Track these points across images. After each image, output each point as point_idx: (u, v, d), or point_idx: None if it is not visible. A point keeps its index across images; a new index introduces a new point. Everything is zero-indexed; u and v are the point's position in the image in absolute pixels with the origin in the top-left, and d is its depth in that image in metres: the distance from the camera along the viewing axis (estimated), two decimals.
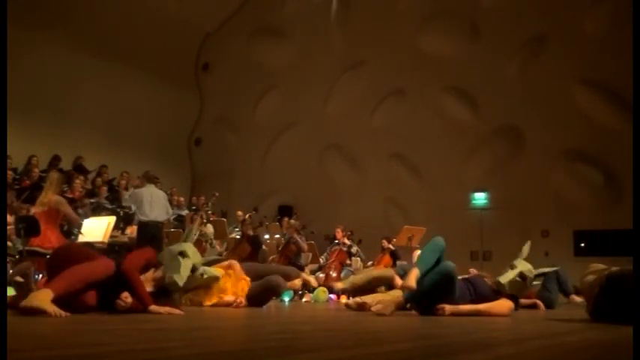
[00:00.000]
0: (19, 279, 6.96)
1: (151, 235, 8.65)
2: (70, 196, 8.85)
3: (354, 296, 5.97)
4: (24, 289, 6.78)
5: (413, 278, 4.20)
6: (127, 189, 10.90)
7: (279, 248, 10.73)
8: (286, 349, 1.86)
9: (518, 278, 4.69)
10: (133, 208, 8.95)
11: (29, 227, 6.84)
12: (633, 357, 1.89)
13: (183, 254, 3.93)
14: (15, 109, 7.37)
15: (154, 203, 8.76)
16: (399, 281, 5.61)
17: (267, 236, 12.09)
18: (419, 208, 14.29)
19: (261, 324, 3.23)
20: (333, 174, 15.73)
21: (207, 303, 5.45)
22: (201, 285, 4.97)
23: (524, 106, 13.75)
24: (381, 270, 7.12)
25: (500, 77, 13.99)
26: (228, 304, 5.36)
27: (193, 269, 3.97)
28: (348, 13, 15.89)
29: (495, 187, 14.23)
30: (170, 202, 10.28)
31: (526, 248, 4.98)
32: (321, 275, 11.43)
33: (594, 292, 3.74)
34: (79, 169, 11.44)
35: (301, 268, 10.73)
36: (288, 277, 6.13)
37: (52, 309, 3.19)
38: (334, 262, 11.15)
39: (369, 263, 11.47)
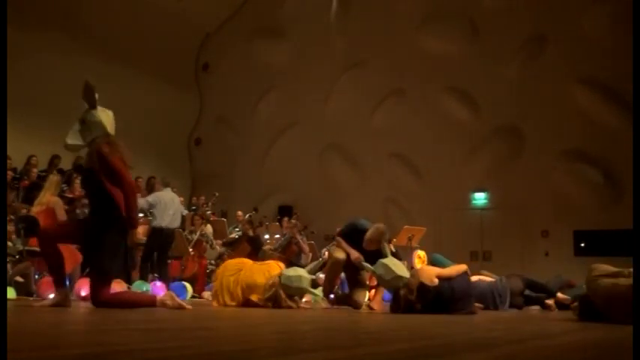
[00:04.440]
0: (19, 279, 6.98)
1: (162, 242, 8.67)
2: (70, 195, 8.87)
3: None
4: (24, 289, 6.80)
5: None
6: None
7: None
8: (286, 349, 1.86)
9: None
10: (145, 207, 8.97)
11: (29, 227, 6.85)
12: (633, 357, 1.89)
13: None
14: (15, 109, 7.38)
15: (174, 209, 8.83)
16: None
17: (267, 236, 12.09)
18: (419, 208, 14.29)
19: (261, 324, 3.23)
20: (333, 174, 15.73)
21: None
22: None
23: (524, 106, 13.74)
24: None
25: (500, 77, 13.99)
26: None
27: None
28: (348, 13, 15.89)
29: (495, 187, 14.23)
30: None
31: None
32: (321, 275, 11.43)
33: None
34: (79, 169, 11.43)
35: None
36: None
37: None
38: None
39: None
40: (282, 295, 5.58)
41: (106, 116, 4.46)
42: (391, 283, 5.00)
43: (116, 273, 4.50)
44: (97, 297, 4.22)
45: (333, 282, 6.23)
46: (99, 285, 4.23)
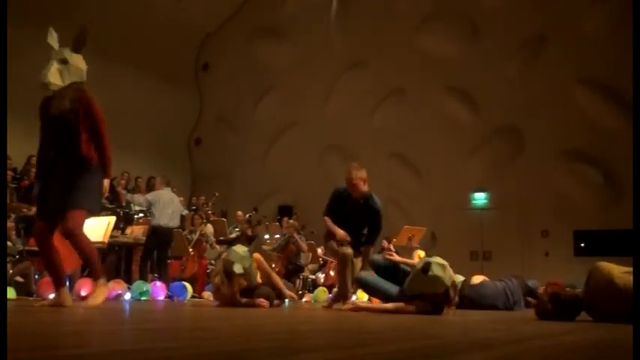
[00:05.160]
0: (19, 279, 6.97)
1: (161, 240, 8.68)
2: None
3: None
4: (24, 289, 6.80)
5: None
6: (126, 188, 10.91)
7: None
8: (286, 349, 1.86)
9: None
10: (144, 205, 8.98)
11: (29, 227, 6.85)
12: (633, 357, 1.89)
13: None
14: (15, 109, 7.38)
15: (173, 208, 8.83)
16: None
17: (267, 236, 12.09)
18: (419, 208, 14.29)
19: (261, 324, 3.23)
20: (333, 174, 15.69)
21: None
22: None
23: (524, 106, 13.75)
24: None
25: (500, 77, 13.99)
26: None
27: None
28: (348, 13, 15.89)
29: (495, 187, 14.23)
30: None
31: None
32: (321, 275, 11.44)
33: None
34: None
35: (301, 268, 10.75)
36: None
37: None
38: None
39: None
40: (220, 268, 5.58)
41: (84, 65, 4.46)
42: (445, 284, 4.65)
43: (92, 210, 4.42)
44: (74, 229, 4.14)
45: (345, 278, 5.85)
46: (75, 218, 4.16)
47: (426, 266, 4.65)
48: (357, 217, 5.90)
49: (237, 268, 5.53)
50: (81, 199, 4.20)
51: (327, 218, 5.96)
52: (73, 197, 4.17)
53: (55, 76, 4.30)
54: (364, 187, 5.93)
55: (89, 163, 4.24)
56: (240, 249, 5.72)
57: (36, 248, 6.84)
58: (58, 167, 4.26)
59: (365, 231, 6.01)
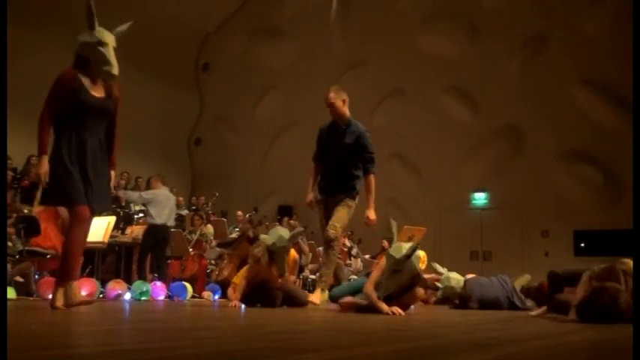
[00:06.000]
0: (19, 279, 6.97)
1: (158, 239, 8.67)
2: None
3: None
4: (24, 289, 6.80)
5: None
6: (126, 189, 10.91)
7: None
8: (286, 349, 1.86)
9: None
10: (138, 202, 8.98)
11: (29, 227, 6.85)
12: (633, 357, 1.89)
13: None
14: (15, 109, 7.37)
15: (169, 207, 8.84)
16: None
17: None
18: (419, 208, 14.30)
19: (261, 324, 3.23)
20: None
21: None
22: None
23: (524, 106, 13.75)
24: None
25: (500, 77, 13.99)
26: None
27: None
28: (348, 13, 15.89)
29: (495, 187, 14.24)
30: None
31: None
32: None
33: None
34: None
35: (301, 269, 10.75)
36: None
37: None
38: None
39: (367, 256, 11.52)
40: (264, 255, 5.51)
41: None
42: (416, 267, 4.54)
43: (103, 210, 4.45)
44: (88, 229, 4.06)
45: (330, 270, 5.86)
46: (92, 219, 4.10)
47: (413, 250, 4.46)
48: (343, 151, 5.51)
49: (263, 236, 5.65)
50: (106, 203, 4.20)
51: (313, 168, 5.91)
52: (104, 199, 4.12)
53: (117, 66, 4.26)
54: (344, 109, 5.48)
55: (110, 152, 4.28)
56: (284, 231, 5.74)
57: (36, 248, 6.87)
58: (95, 155, 4.11)
59: (357, 172, 5.62)
